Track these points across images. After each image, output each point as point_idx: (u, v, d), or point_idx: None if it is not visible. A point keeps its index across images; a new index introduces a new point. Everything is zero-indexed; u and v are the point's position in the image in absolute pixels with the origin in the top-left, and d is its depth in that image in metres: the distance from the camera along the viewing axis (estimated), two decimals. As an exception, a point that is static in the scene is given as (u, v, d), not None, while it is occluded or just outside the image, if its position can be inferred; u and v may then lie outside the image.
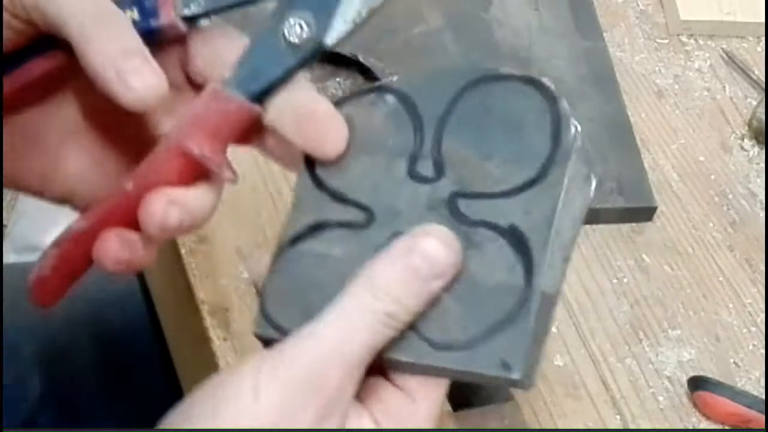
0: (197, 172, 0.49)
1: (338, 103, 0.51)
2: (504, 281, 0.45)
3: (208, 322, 0.63)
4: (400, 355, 0.46)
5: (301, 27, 0.49)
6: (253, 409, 0.44)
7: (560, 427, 0.66)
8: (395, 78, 0.51)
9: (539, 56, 0.81)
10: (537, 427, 0.65)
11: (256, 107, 0.49)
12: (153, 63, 0.47)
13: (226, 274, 0.64)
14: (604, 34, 0.85)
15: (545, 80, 0.48)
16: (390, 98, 0.50)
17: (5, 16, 0.47)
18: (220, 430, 0.44)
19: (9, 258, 1.43)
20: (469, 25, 0.81)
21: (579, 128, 0.46)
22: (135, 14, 0.50)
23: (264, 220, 0.67)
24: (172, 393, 0.79)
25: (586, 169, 0.47)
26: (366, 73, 0.76)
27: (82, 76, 0.47)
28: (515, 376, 0.44)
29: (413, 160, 0.49)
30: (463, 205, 0.47)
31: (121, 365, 0.81)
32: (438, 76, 0.50)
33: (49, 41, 0.49)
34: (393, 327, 0.45)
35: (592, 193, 0.47)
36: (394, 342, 0.46)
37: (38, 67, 0.50)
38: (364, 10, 0.49)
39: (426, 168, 0.48)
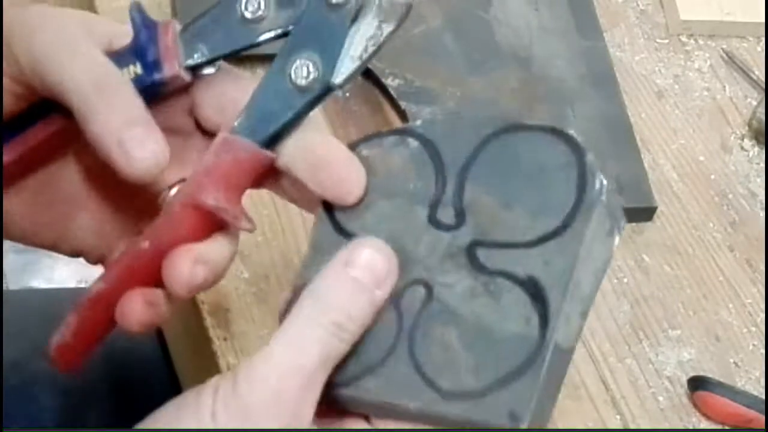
0: (214, 225, 0.49)
1: (358, 144, 0.51)
2: (519, 332, 0.45)
3: (208, 322, 0.63)
4: (407, 401, 0.46)
5: (308, 69, 0.49)
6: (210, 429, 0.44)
7: (560, 427, 0.66)
8: (419, 122, 0.51)
9: (539, 56, 0.81)
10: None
11: (269, 153, 0.49)
12: (156, 132, 0.47)
13: (226, 274, 0.64)
14: (604, 34, 0.85)
15: (572, 132, 0.47)
16: (413, 142, 0.50)
17: (5, 81, 0.47)
18: None
19: (9, 258, 1.43)
20: (469, 25, 0.81)
21: (605, 182, 0.46)
22: (138, 68, 0.50)
23: (264, 220, 0.67)
24: (172, 393, 0.79)
25: (609, 223, 0.46)
26: (366, 73, 0.76)
27: (83, 139, 0.47)
28: (523, 426, 0.44)
29: (434, 206, 0.48)
30: (482, 254, 0.47)
31: (120, 365, 0.81)
32: (462, 123, 0.49)
33: (49, 105, 0.49)
34: (343, 339, 0.45)
35: (614, 248, 0.47)
36: (399, 387, 0.46)
37: (40, 132, 0.50)
38: (370, 45, 0.49)
39: (447, 215, 0.48)
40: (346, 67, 0.49)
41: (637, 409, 0.68)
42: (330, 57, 0.49)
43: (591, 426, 0.67)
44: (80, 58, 0.47)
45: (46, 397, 0.76)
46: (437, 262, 0.47)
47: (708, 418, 0.69)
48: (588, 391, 0.68)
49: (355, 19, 0.49)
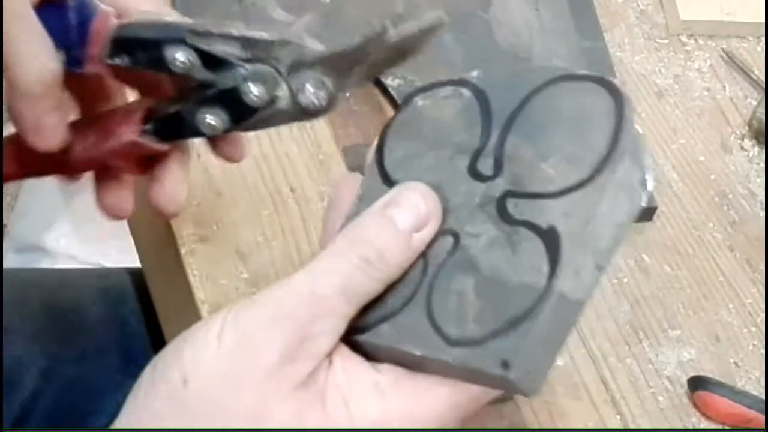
0: None
1: (417, 93, 0.51)
2: (528, 282, 0.44)
3: (208, 322, 0.63)
4: (413, 348, 0.45)
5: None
6: (215, 352, 0.43)
7: (560, 427, 0.66)
8: (475, 73, 0.51)
9: (539, 56, 0.81)
10: (537, 427, 0.65)
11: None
12: (65, 118, 0.54)
13: (226, 274, 0.64)
14: (604, 34, 0.85)
15: (615, 81, 0.47)
16: (466, 93, 0.50)
17: None
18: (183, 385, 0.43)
19: (9, 258, 1.43)
20: (469, 25, 0.81)
21: (640, 132, 0.45)
22: (62, 55, 0.52)
23: (264, 219, 0.67)
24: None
25: (639, 174, 0.45)
26: (366, 73, 0.76)
27: None
28: (511, 375, 0.43)
29: (476, 157, 0.48)
30: (511, 204, 0.46)
31: (119, 364, 0.81)
32: (516, 75, 0.49)
33: None
34: (371, 275, 0.45)
35: (644, 201, 0.45)
36: (410, 333, 0.45)
37: None
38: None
39: (486, 166, 0.48)
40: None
41: (637, 409, 0.68)
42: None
43: (591, 426, 0.67)
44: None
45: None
46: (469, 213, 0.47)
47: (708, 418, 0.69)
48: (588, 391, 0.68)
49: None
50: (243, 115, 0.54)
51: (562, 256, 0.44)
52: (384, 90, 0.75)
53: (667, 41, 0.88)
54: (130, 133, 0.55)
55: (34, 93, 0.51)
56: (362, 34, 0.50)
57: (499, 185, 0.47)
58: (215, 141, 0.58)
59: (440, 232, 0.47)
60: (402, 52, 0.53)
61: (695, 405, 0.69)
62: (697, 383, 0.69)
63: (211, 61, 0.52)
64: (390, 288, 0.47)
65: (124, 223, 0.78)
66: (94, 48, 0.53)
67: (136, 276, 0.82)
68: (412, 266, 0.47)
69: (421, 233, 0.46)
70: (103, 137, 0.56)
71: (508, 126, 0.48)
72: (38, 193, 1.50)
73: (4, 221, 1.53)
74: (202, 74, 0.53)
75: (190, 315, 0.65)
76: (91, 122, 0.57)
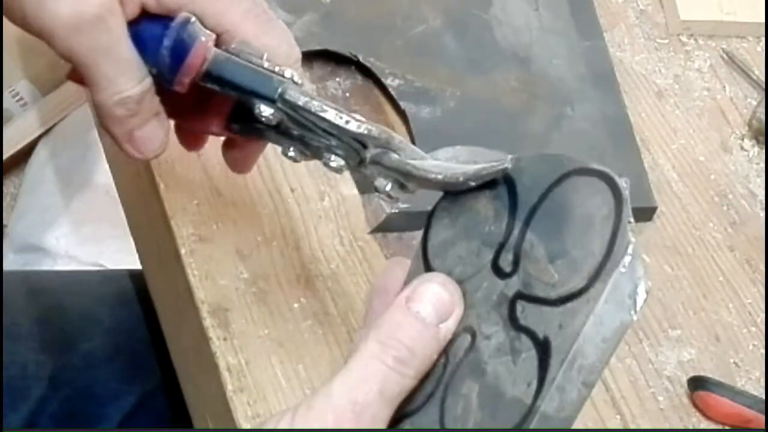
0: None
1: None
2: (519, 396, 0.43)
3: (208, 322, 0.63)
4: None
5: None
6: None
7: (560, 427, 0.66)
8: (510, 157, 0.48)
9: (539, 56, 0.81)
10: None
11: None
12: (164, 123, 0.55)
13: (226, 274, 0.64)
14: (604, 34, 0.85)
15: (618, 179, 0.45)
16: (500, 180, 0.48)
17: None
18: None
19: (9, 258, 1.43)
20: (469, 25, 0.81)
21: (633, 241, 0.43)
22: (153, 70, 0.52)
23: (264, 220, 0.67)
24: (171, 391, 0.79)
25: (630, 286, 0.43)
26: (366, 73, 0.76)
27: None
28: None
29: (499, 251, 0.47)
30: (519, 307, 0.45)
31: (125, 371, 0.81)
32: (544, 161, 0.47)
33: None
34: (405, 374, 0.45)
35: (635, 315, 0.43)
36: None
37: None
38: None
39: (506, 261, 0.47)
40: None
41: (637, 409, 0.68)
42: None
43: (591, 426, 0.67)
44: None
45: None
46: (486, 311, 0.46)
47: (708, 418, 0.69)
48: (588, 391, 0.68)
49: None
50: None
51: (549, 373, 0.43)
52: (384, 90, 0.75)
53: (667, 41, 0.88)
54: (215, 125, 0.57)
55: (115, 114, 0.52)
56: (446, 176, 0.49)
57: (514, 284, 0.46)
58: (232, 141, 0.59)
59: (461, 329, 0.47)
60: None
61: (695, 405, 0.69)
62: (697, 383, 0.69)
63: (298, 123, 0.53)
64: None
65: (124, 224, 0.78)
66: (185, 78, 0.52)
67: (139, 280, 0.82)
68: (436, 360, 0.47)
69: (447, 323, 0.46)
70: (192, 119, 0.58)
71: (528, 220, 0.47)
72: (38, 194, 1.50)
73: (4, 221, 1.53)
74: (289, 125, 0.53)
75: (190, 315, 0.65)
76: (190, 98, 0.56)
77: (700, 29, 0.89)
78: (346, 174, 0.70)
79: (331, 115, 0.52)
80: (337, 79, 0.76)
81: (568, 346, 0.42)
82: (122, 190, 0.78)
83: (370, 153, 0.52)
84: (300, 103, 0.52)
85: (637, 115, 0.82)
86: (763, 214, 0.80)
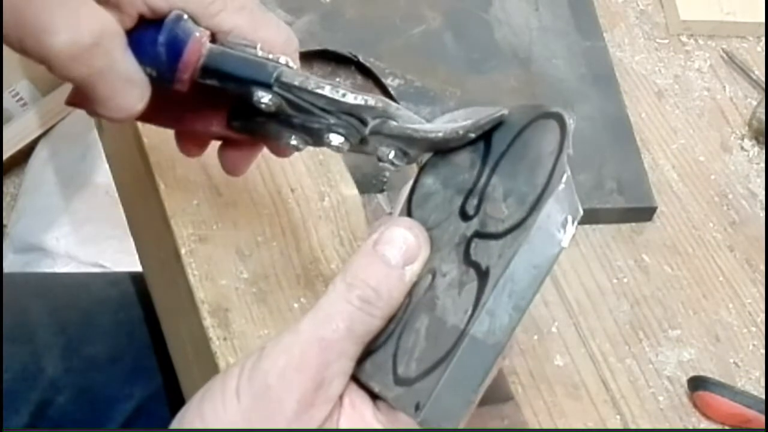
0: None
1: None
2: (456, 323, 0.45)
3: (208, 322, 0.63)
4: (374, 385, 0.47)
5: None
6: (235, 409, 0.45)
7: (560, 427, 0.66)
8: (503, 110, 0.51)
9: (539, 56, 0.81)
10: (537, 427, 0.65)
11: None
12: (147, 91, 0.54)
13: (226, 274, 0.64)
14: (604, 34, 0.85)
15: (566, 115, 0.47)
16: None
17: None
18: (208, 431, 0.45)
19: (8, 258, 1.43)
20: (469, 25, 0.81)
21: (568, 172, 0.45)
22: (153, 72, 0.53)
23: (264, 220, 0.67)
24: (172, 393, 0.79)
25: (561, 216, 0.45)
26: (366, 73, 0.76)
27: None
28: (419, 418, 0.44)
29: (467, 197, 0.49)
30: (473, 244, 0.47)
31: (127, 373, 0.81)
32: (521, 112, 0.49)
33: None
34: (372, 314, 0.46)
35: (564, 242, 0.45)
36: (377, 371, 0.47)
37: None
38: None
39: (471, 206, 0.49)
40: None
41: (637, 409, 0.68)
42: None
43: (591, 426, 0.67)
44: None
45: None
46: (447, 252, 0.48)
47: (708, 418, 0.69)
48: (588, 391, 0.68)
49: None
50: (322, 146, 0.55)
51: (482, 298, 0.44)
52: (384, 90, 0.75)
53: (667, 41, 0.88)
54: (215, 124, 0.57)
55: (115, 120, 0.54)
56: (446, 132, 0.51)
57: (473, 225, 0.48)
58: (229, 144, 0.59)
59: (426, 271, 0.48)
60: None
61: (695, 405, 0.69)
62: (697, 383, 0.69)
63: (297, 107, 0.53)
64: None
65: (124, 224, 0.78)
66: (183, 75, 0.53)
67: (141, 282, 0.82)
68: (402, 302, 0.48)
69: (413, 267, 0.48)
70: (191, 119, 0.58)
71: (495, 166, 0.49)
72: (38, 194, 1.50)
73: (4, 221, 1.53)
74: (288, 112, 0.54)
75: (190, 315, 0.65)
76: (187, 98, 0.57)
77: (700, 29, 0.89)
78: (347, 174, 0.70)
79: (327, 90, 0.52)
80: (337, 79, 0.76)
81: (502, 270, 0.44)
82: (122, 190, 0.78)
83: (369, 125, 0.53)
84: (296, 83, 0.52)
85: (637, 115, 0.82)
86: (763, 214, 0.80)
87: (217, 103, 0.57)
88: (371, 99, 0.52)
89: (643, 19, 0.89)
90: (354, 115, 0.52)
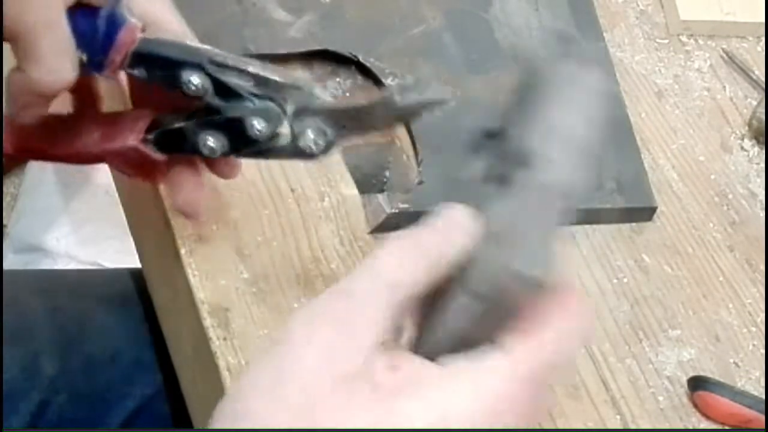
0: None
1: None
2: None
3: (208, 321, 0.63)
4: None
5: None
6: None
7: (560, 427, 0.66)
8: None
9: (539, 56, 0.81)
10: (537, 427, 0.65)
11: None
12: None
13: (226, 274, 0.64)
14: (604, 34, 0.85)
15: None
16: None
17: None
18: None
19: (8, 258, 1.43)
20: (469, 25, 0.81)
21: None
22: (83, 57, 0.55)
23: (264, 220, 0.67)
24: (172, 394, 0.79)
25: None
26: (366, 73, 0.76)
27: None
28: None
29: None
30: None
31: (127, 372, 0.81)
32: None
33: None
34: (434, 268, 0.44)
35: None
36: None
37: None
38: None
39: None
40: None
41: (637, 409, 0.68)
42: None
43: (591, 426, 0.67)
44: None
45: None
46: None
47: (708, 418, 0.69)
48: (588, 391, 0.68)
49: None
50: (243, 144, 0.57)
51: None
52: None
53: (667, 41, 0.88)
54: (132, 138, 0.58)
55: (45, 94, 0.55)
56: (370, 97, 0.53)
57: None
58: (212, 159, 0.60)
59: None
60: (403, 117, 0.57)
61: (695, 405, 0.69)
62: (697, 383, 0.69)
63: (223, 90, 0.56)
64: None
65: (124, 224, 0.78)
66: (116, 57, 0.55)
67: (141, 279, 0.82)
68: None
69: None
70: (106, 137, 0.59)
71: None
72: (38, 194, 1.50)
73: (4, 221, 1.53)
74: (213, 100, 0.56)
75: (190, 315, 0.65)
76: (98, 120, 0.60)
77: (700, 29, 0.89)
78: (346, 174, 0.70)
79: (256, 68, 0.55)
80: (337, 79, 0.76)
81: None
82: (122, 190, 0.78)
83: (293, 105, 0.56)
84: (229, 63, 0.55)
85: (637, 115, 0.82)
86: (763, 214, 0.80)
87: (133, 120, 0.59)
88: (299, 78, 0.55)
89: (643, 19, 0.89)
90: (279, 96, 0.55)
